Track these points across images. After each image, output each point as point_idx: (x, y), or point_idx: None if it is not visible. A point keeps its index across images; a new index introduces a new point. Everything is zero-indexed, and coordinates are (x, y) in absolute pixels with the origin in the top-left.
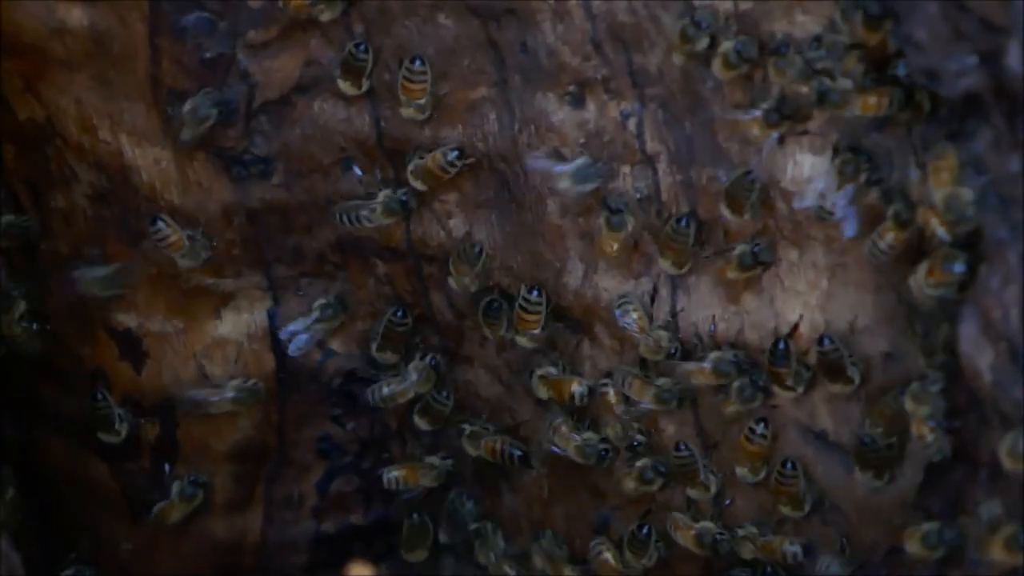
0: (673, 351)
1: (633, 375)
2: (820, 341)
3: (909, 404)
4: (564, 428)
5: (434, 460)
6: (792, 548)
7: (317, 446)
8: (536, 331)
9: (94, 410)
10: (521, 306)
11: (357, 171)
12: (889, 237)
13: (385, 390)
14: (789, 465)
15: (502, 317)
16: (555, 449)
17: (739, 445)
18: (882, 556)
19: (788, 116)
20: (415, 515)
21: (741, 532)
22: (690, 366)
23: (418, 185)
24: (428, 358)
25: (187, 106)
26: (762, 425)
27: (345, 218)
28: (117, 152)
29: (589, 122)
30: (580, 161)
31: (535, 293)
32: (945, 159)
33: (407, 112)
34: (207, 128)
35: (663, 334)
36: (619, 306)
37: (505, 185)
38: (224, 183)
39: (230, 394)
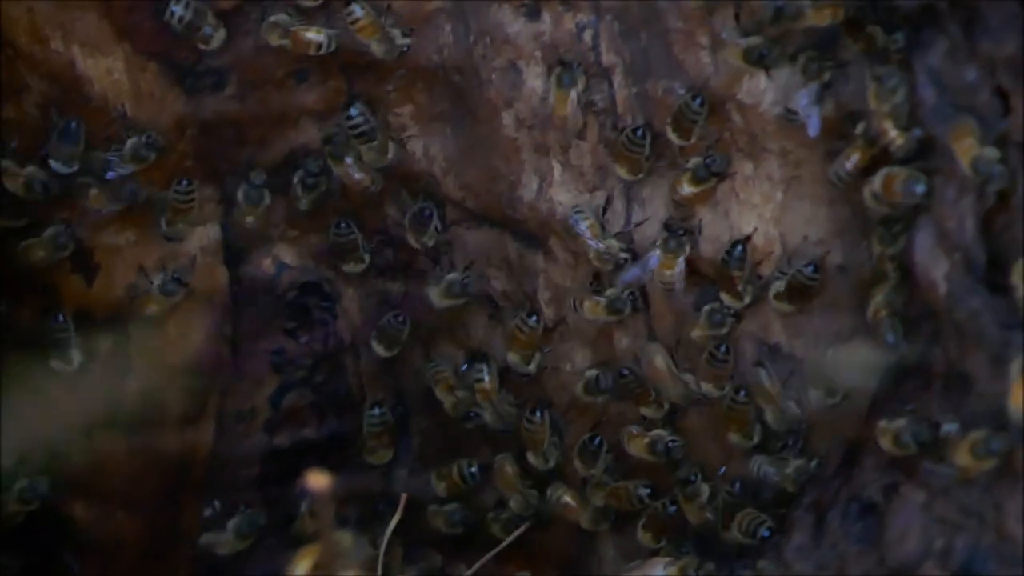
0: (623, 261)
1: (583, 296)
2: (806, 266)
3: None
4: None
5: None
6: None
7: (270, 360)
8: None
9: (51, 332)
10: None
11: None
12: (855, 158)
13: None
14: (742, 393)
15: (429, 226)
16: None
17: (700, 368)
18: (835, 469)
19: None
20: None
21: None
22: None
23: None
24: None
25: None
26: (723, 349)
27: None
28: (69, 62)
29: (545, 34)
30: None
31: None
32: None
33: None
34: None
35: (614, 243)
36: (573, 214)
37: (460, 98)
38: (177, 95)
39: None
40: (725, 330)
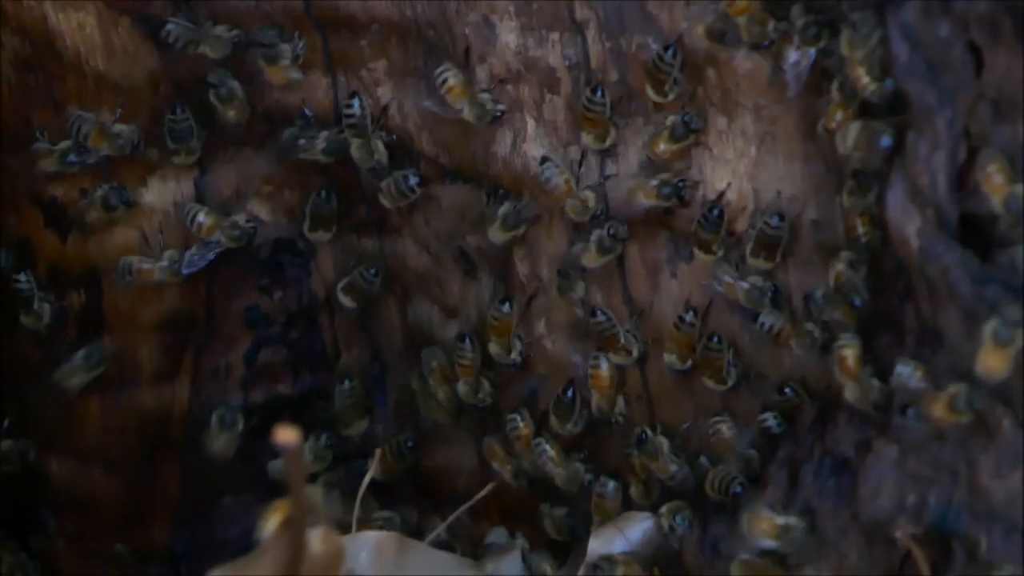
0: (599, 213)
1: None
2: (771, 216)
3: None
4: None
5: None
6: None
7: (245, 316)
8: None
9: (16, 291)
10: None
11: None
12: (839, 115)
13: None
14: (716, 339)
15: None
16: None
17: (668, 334)
18: (808, 425)
19: None
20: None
21: None
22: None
23: None
24: None
25: None
26: (691, 314)
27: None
28: (41, 17)
29: None
30: None
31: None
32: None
33: None
34: None
35: (589, 194)
36: (543, 166)
37: (434, 53)
38: (150, 50)
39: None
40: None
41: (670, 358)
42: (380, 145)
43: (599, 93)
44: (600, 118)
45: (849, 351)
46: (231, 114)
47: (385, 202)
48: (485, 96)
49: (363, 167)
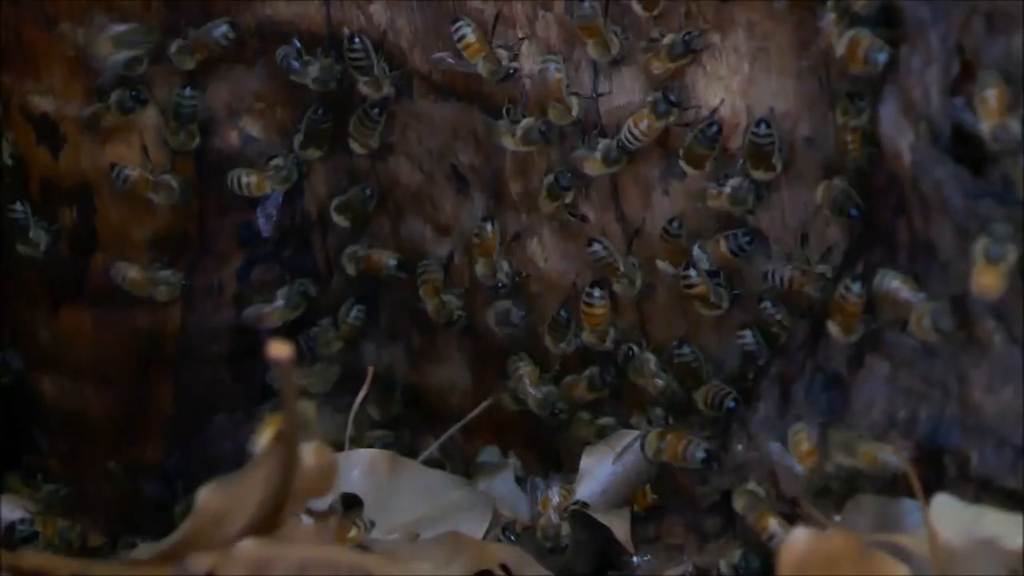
0: (578, 119)
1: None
2: (757, 124)
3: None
4: None
5: None
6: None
7: (237, 234)
8: None
9: (12, 220)
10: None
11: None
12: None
13: None
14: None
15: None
16: None
17: (659, 244)
18: (800, 341)
19: None
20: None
21: None
22: None
23: None
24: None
25: None
26: (676, 224)
27: None
28: None
29: None
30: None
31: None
32: None
33: None
34: None
35: (574, 100)
36: (548, 61)
37: None
38: None
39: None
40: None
41: (663, 264)
42: (387, 80)
43: (586, 1)
44: (594, 25)
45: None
46: None
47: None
48: (501, 52)
49: (371, 99)
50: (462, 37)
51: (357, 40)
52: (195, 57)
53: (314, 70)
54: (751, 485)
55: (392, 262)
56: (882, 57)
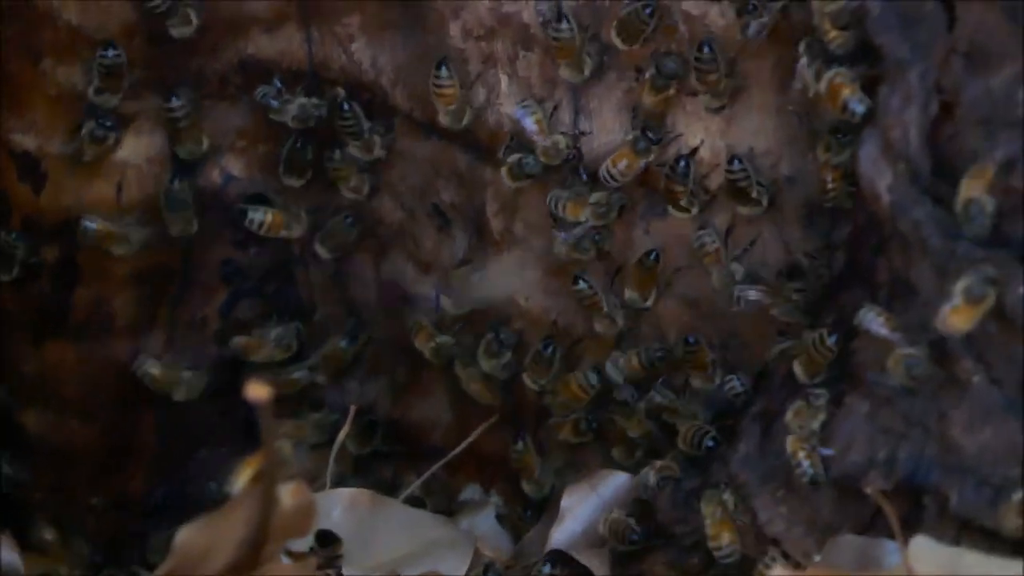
0: (570, 157)
1: (566, 197)
2: (729, 162)
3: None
4: None
5: None
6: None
7: (220, 270)
8: None
9: None
10: None
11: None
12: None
13: None
14: (692, 339)
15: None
16: None
17: (631, 273)
18: (781, 379)
19: None
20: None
21: None
22: None
23: None
24: None
25: None
26: (653, 256)
27: None
28: None
29: None
30: None
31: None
32: None
33: None
34: None
35: (560, 138)
36: (520, 108)
37: (408, 7)
38: (124, 1)
39: None
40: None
41: (631, 295)
42: (377, 141)
43: (564, 22)
44: (570, 45)
45: None
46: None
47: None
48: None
49: (361, 160)
50: (439, 84)
51: (347, 106)
52: None
53: (293, 108)
54: (726, 494)
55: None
56: (860, 108)
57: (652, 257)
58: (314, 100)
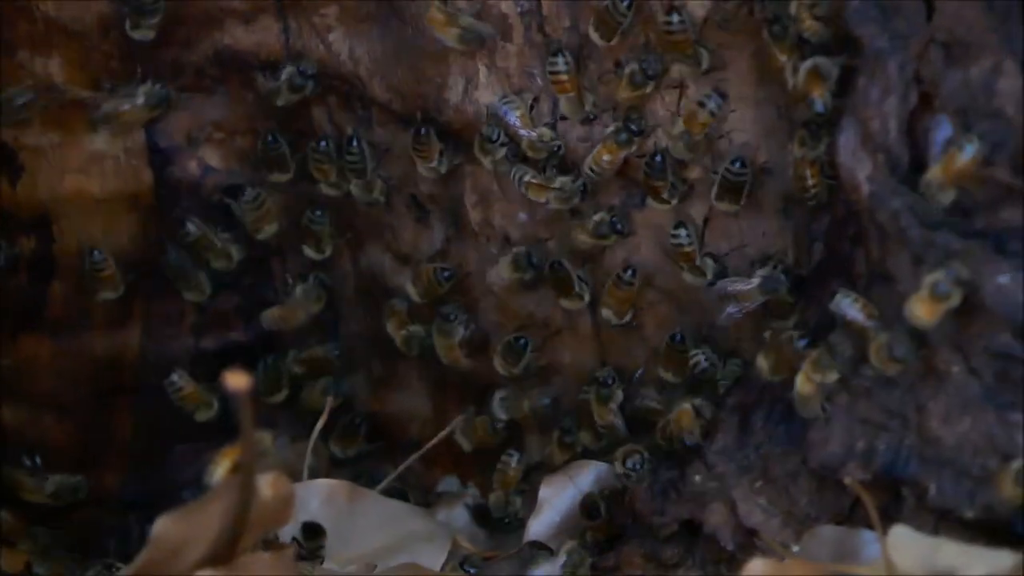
0: (556, 149)
1: (529, 177)
2: (732, 162)
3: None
4: None
5: None
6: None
7: None
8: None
9: None
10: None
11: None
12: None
13: None
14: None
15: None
16: None
17: (608, 291)
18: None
19: None
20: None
21: None
22: None
23: None
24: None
25: None
26: (630, 272)
27: None
28: None
29: None
30: None
31: None
32: None
33: None
34: None
35: (546, 130)
36: (502, 104)
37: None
38: None
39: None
40: None
41: (607, 312)
42: (379, 184)
43: (560, 56)
44: (569, 80)
45: None
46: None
47: None
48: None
49: (360, 201)
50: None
51: (355, 143)
52: None
53: (284, 75)
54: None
55: None
56: (819, 106)
57: (629, 275)
58: (300, 67)
